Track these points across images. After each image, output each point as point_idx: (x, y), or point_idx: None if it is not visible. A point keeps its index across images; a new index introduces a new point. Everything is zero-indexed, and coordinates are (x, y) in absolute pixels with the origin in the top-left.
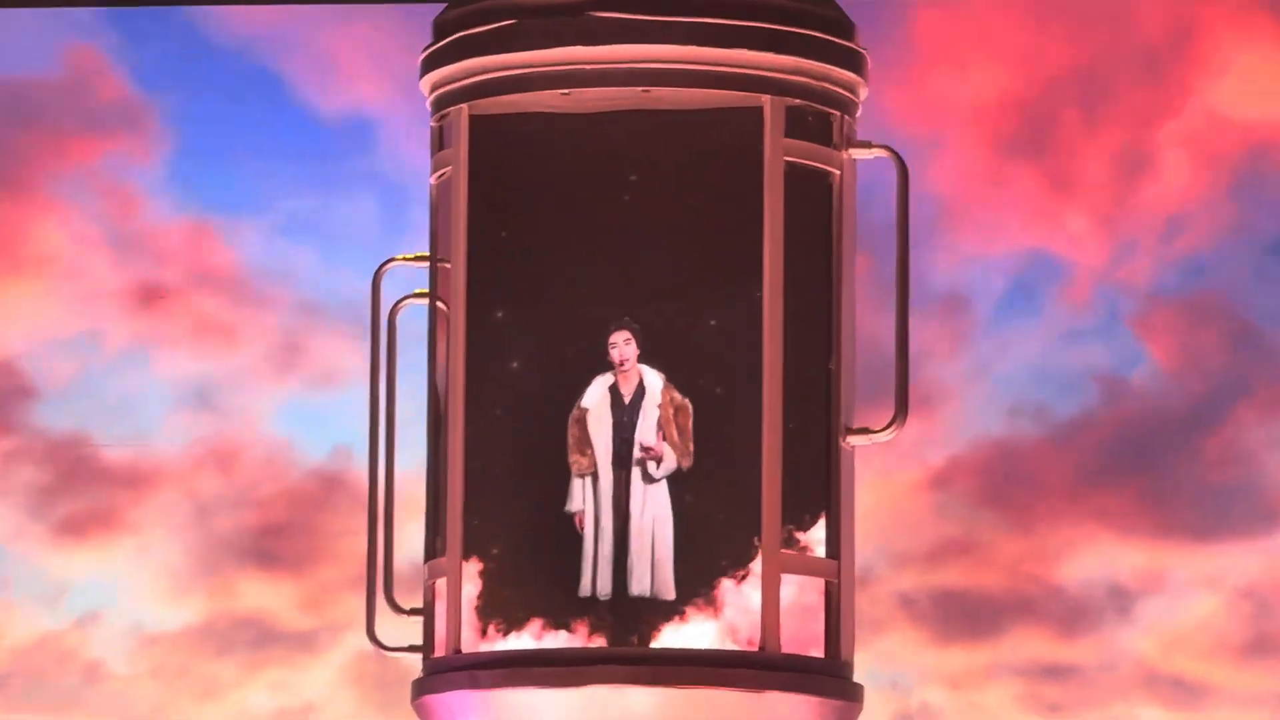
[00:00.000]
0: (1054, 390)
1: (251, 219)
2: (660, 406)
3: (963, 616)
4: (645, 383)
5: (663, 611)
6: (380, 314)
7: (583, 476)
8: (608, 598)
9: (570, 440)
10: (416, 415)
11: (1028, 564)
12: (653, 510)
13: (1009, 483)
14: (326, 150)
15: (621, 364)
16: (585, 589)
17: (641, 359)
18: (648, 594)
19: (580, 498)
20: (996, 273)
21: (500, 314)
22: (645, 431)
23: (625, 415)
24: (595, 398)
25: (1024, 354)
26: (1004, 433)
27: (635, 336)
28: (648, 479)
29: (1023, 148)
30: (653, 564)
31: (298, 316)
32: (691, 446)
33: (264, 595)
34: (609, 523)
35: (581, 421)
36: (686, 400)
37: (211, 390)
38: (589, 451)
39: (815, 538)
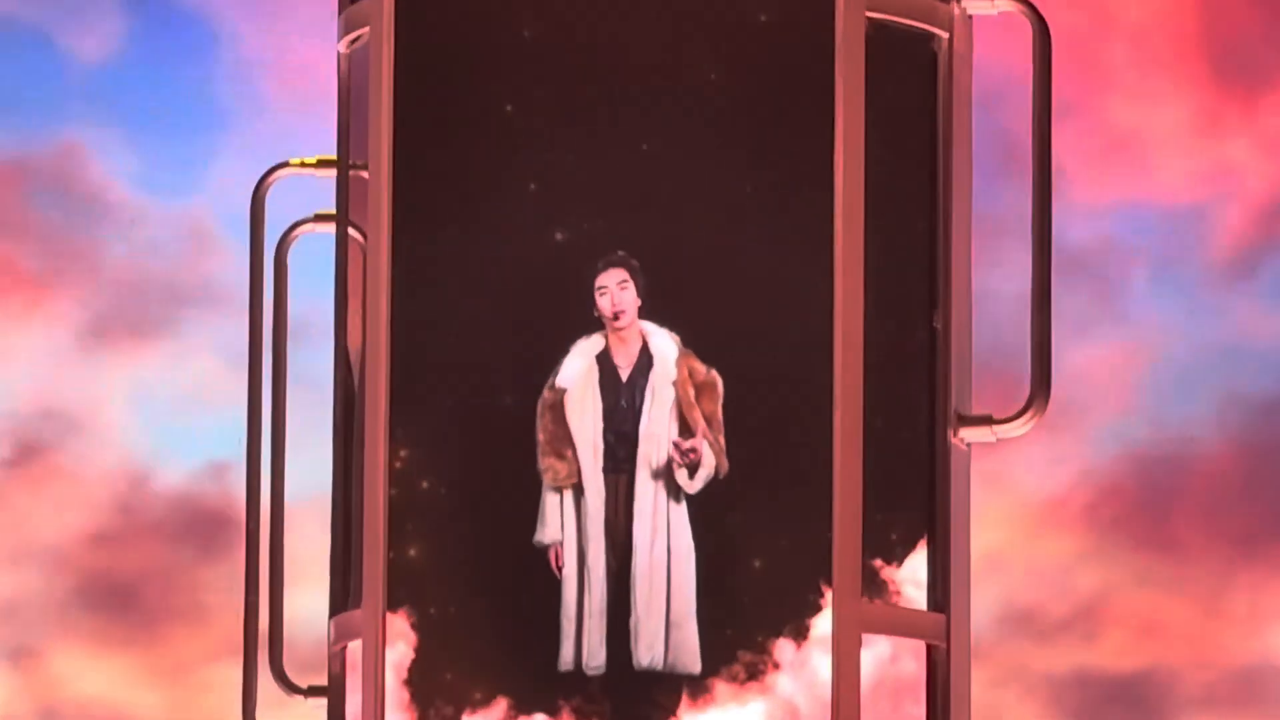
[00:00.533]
0: (1241, 378)
1: (79, 115)
2: (676, 384)
3: (1115, 706)
4: (652, 348)
5: (684, 690)
6: (264, 245)
7: (559, 490)
8: (600, 671)
9: (541, 437)
10: (318, 400)
11: (1210, 634)
12: (667, 540)
13: (1177, 513)
14: (183, 14)
15: (616, 318)
16: (568, 659)
17: (645, 314)
18: (660, 666)
19: (557, 523)
20: (1148, 216)
21: (441, 246)
22: (657, 421)
23: (623, 398)
24: (577, 373)
25: (1194, 328)
26: (1167, 440)
27: (634, 278)
28: (674, 494)
29: (1187, 45)
30: (667, 622)
31: (144, 258)
32: (724, 443)
33: (97, 675)
34: (601, 561)
35: (557, 409)
36: (714, 373)
37: (14, 375)
38: (569, 453)
39: (912, 580)
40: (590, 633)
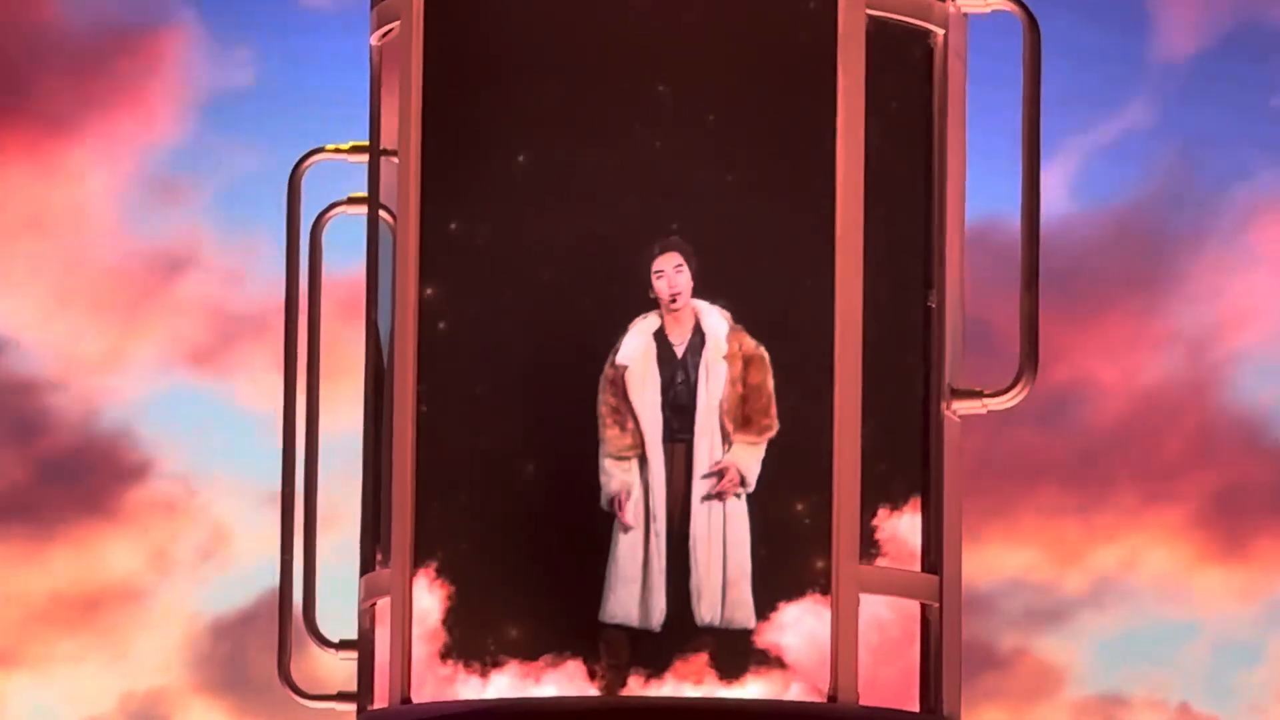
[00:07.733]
0: None
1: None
2: (727, 358)
3: None
4: (704, 325)
5: (738, 644)
6: (300, 227)
7: (623, 459)
8: (659, 627)
9: (603, 410)
10: (350, 367)
11: None
12: (723, 505)
13: None
14: None
15: (673, 300)
16: (628, 612)
17: (696, 293)
18: (718, 622)
19: (620, 478)
20: None
21: (471, 231)
22: (713, 395)
23: (680, 374)
24: (636, 350)
25: None
26: None
27: (688, 261)
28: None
29: None
30: (724, 581)
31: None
32: (775, 411)
33: None
34: (663, 522)
35: (618, 384)
36: (762, 349)
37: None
38: (630, 425)
39: (907, 543)
40: (653, 589)
